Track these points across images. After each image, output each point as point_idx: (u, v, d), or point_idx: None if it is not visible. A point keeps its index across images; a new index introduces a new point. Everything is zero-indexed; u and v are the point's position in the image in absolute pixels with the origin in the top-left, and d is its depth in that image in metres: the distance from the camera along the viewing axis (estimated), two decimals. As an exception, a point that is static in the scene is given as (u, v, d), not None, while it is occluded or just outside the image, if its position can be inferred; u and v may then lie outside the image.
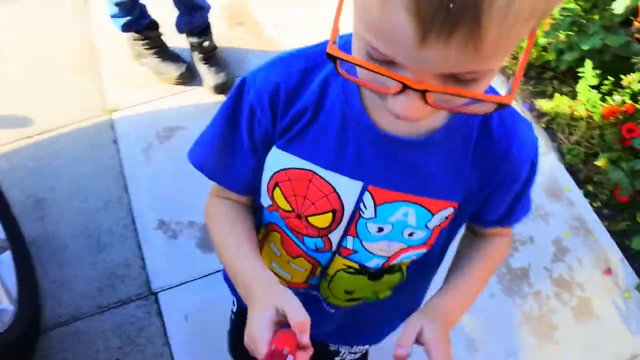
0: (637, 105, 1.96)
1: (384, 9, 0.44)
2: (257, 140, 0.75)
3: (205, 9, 2.13)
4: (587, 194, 2.04)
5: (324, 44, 0.54)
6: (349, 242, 0.79)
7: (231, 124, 0.75)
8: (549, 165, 2.10)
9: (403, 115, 0.53)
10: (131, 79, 2.28)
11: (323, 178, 0.72)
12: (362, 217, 0.75)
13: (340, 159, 0.71)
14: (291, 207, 0.77)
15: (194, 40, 2.17)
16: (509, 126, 0.70)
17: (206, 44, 2.17)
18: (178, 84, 2.24)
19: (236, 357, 1.41)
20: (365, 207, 0.73)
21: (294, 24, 2.45)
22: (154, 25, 2.18)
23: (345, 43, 0.54)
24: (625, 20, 2.18)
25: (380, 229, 0.76)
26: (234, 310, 1.28)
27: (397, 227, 0.75)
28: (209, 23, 2.19)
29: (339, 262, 0.84)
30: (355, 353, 1.22)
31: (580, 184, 2.06)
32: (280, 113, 0.71)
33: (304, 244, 0.83)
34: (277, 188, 0.76)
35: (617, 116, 2.04)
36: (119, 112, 2.19)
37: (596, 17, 2.13)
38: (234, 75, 2.25)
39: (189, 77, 2.24)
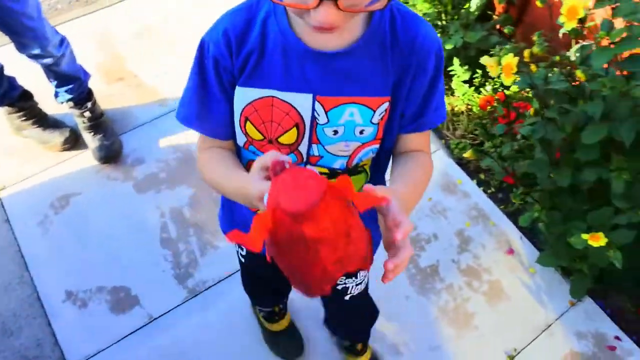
0: (506, 92, 2.08)
1: None
2: (227, 86, 0.89)
3: (81, 79, 2.10)
4: (479, 183, 2.14)
5: None
6: (315, 150, 0.93)
7: (202, 81, 0.90)
8: (440, 162, 2.19)
9: (324, 23, 0.69)
10: (15, 153, 2.21)
11: (281, 99, 0.87)
12: (319, 124, 0.89)
13: (289, 80, 0.86)
14: (262, 135, 0.92)
15: (75, 110, 2.14)
16: (411, 24, 0.86)
17: (87, 114, 2.14)
18: (65, 150, 2.19)
19: (249, 292, 1.59)
20: (318, 114, 0.88)
21: (172, 70, 2.46)
22: (26, 96, 2.13)
23: None
24: (484, 15, 2.33)
25: (335, 132, 0.90)
26: (242, 253, 1.35)
27: (349, 127, 0.90)
28: (88, 91, 2.16)
29: None
30: (359, 284, 1.32)
31: (471, 174, 2.16)
32: (235, 55, 0.86)
33: None
34: (248, 122, 0.91)
35: (492, 105, 2.15)
36: (6, 190, 2.12)
37: (455, 17, 2.26)
38: (120, 143, 2.23)
39: (75, 140, 2.20)
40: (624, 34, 1.15)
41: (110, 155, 2.15)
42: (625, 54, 1.22)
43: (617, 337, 1.85)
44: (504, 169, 1.67)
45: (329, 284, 0.67)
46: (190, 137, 2.25)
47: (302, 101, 0.87)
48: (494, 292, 1.92)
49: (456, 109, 2.27)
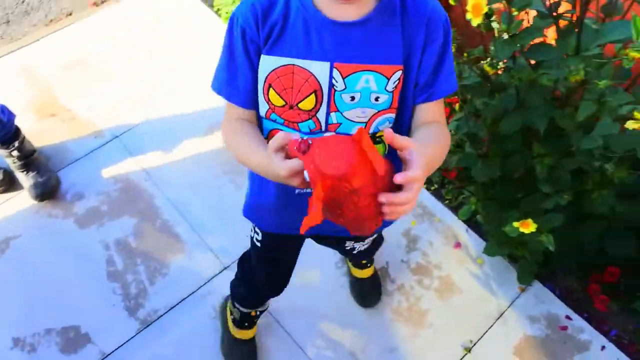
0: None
1: None
2: (253, 56, 0.97)
3: (3, 121, 2.05)
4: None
5: None
6: (333, 117, 1.00)
7: (231, 52, 0.99)
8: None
9: None
10: (-52, 202, 2.15)
11: (301, 67, 0.95)
12: (337, 91, 0.96)
13: (309, 49, 0.94)
14: (284, 100, 0.99)
15: (3, 151, 2.09)
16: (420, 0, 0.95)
17: (16, 153, 2.09)
18: (0, 192, 2.13)
19: (249, 283, 1.61)
20: (336, 81, 0.95)
21: (106, 100, 2.43)
22: (-46, 142, 2.07)
23: None
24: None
25: (352, 98, 0.97)
26: (258, 237, 1.41)
27: (365, 94, 0.96)
28: (15, 130, 2.11)
29: None
30: (365, 244, 1.49)
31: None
32: (260, 25, 0.94)
33: (301, 131, 1.03)
34: (271, 89, 0.98)
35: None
36: (-58, 240, 2.05)
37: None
38: (56, 178, 2.18)
39: (9, 182, 2.14)
40: (523, 26, 1.18)
41: (46, 191, 2.10)
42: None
43: (567, 317, 1.89)
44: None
45: (381, 216, 0.77)
46: (129, 166, 2.23)
47: (320, 68, 0.94)
48: (446, 287, 1.95)
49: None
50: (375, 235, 1.52)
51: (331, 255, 1.99)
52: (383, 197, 0.73)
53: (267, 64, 0.97)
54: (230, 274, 1.94)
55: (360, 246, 1.49)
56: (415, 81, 0.99)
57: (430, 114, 1.02)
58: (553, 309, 1.91)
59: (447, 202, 2.13)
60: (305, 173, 0.73)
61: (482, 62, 1.31)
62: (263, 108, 1.03)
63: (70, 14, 2.77)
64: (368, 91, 0.97)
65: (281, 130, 1.05)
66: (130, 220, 2.09)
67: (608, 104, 1.16)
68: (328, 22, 0.92)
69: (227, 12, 2.69)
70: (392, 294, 1.93)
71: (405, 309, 1.90)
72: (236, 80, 1.01)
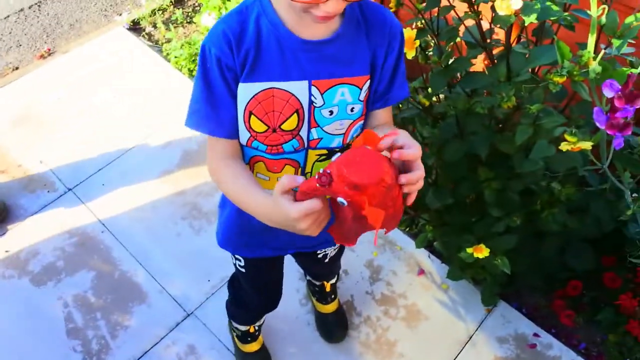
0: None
1: None
2: (231, 83, 0.96)
3: None
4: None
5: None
6: (314, 133, 1.03)
7: (207, 84, 0.96)
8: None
9: (332, 13, 0.83)
10: None
11: (281, 89, 0.96)
12: (316, 107, 0.99)
13: (287, 70, 0.95)
14: (266, 124, 1.00)
15: None
16: (375, 8, 0.99)
17: None
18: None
19: (238, 305, 1.66)
20: (315, 97, 0.98)
21: (58, 152, 2.39)
22: None
23: None
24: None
25: (331, 112, 1.01)
26: (240, 264, 1.41)
27: (342, 106, 1.00)
28: None
29: (312, 155, 1.08)
30: (335, 247, 1.51)
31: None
32: (235, 52, 0.93)
33: (285, 153, 1.06)
34: (252, 116, 0.99)
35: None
36: None
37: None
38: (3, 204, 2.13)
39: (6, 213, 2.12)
40: (454, 56, 1.20)
41: None
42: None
43: (535, 334, 1.89)
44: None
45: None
46: (84, 218, 2.18)
47: (299, 87, 0.97)
48: (412, 315, 1.93)
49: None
50: None
51: (294, 292, 1.97)
52: (404, 179, 0.76)
53: (247, 91, 0.97)
54: (194, 321, 1.91)
55: (331, 251, 1.51)
56: (375, 88, 1.03)
57: (384, 118, 1.07)
58: (520, 328, 1.91)
59: (407, 229, 2.13)
60: (340, 199, 0.74)
61: (419, 94, 1.33)
62: (244, 137, 1.03)
63: (17, 68, 2.74)
64: (345, 103, 1.01)
65: (264, 157, 1.08)
66: (87, 274, 2.04)
67: (543, 126, 1.18)
68: (301, 41, 0.94)
69: (176, 57, 2.69)
70: (358, 327, 1.91)
71: (374, 341, 1.87)
72: (218, 112, 0.99)
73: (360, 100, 1.02)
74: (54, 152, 2.40)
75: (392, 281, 2.01)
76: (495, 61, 1.34)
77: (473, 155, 1.40)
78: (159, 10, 2.98)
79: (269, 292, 1.56)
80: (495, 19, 1.10)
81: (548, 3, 1.08)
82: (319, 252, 1.48)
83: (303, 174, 1.12)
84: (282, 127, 1.01)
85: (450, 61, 1.21)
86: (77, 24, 2.98)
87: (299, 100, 0.98)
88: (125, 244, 2.11)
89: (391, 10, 1.31)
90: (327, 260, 1.52)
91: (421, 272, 2.02)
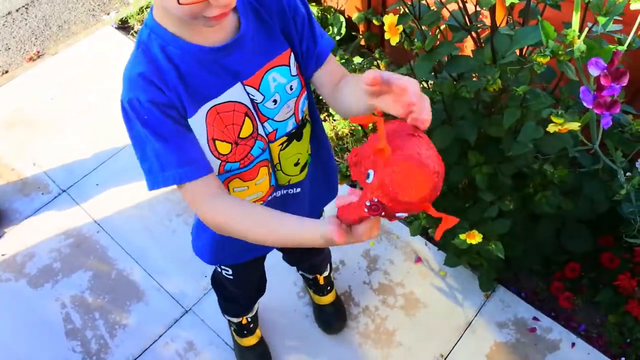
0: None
1: None
2: (179, 120, 0.90)
3: None
4: (375, 199, 2.15)
5: (144, 30, 0.90)
6: (268, 127, 1.02)
7: (156, 135, 0.88)
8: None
9: (227, 5, 0.79)
10: None
11: (222, 102, 0.94)
12: (259, 104, 0.98)
13: (217, 82, 0.92)
14: (228, 142, 0.97)
15: None
16: None
17: None
18: (-53, 262, 2.07)
19: (229, 300, 1.66)
20: (253, 95, 0.96)
21: (51, 154, 2.38)
22: None
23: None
24: (351, 37, 2.35)
25: (275, 101, 0.99)
26: (227, 272, 1.41)
27: (280, 90, 0.99)
28: None
29: (275, 146, 1.07)
30: None
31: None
32: (164, 89, 0.88)
33: (256, 157, 1.04)
34: (215, 141, 0.95)
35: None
36: None
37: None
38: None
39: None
40: (438, 41, 1.18)
41: None
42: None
43: (535, 318, 1.89)
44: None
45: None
46: (79, 218, 2.18)
47: (236, 92, 0.94)
48: (411, 303, 1.93)
49: (340, 132, 2.30)
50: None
51: (291, 286, 1.96)
52: (421, 123, 0.69)
53: (198, 122, 0.92)
54: (192, 317, 1.91)
55: None
56: (300, 52, 1.01)
57: (336, 72, 1.04)
58: (520, 312, 1.90)
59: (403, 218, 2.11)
60: (400, 214, 0.67)
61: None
62: (215, 164, 0.98)
63: (7, 72, 2.73)
64: (282, 86, 0.99)
65: (237, 173, 1.05)
66: (84, 274, 2.04)
67: (530, 108, 1.16)
68: (214, 51, 0.90)
69: (166, 52, 2.67)
70: (357, 317, 1.90)
71: (373, 331, 1.87)
72: (187, 153, 0.90)
73: (294, 76, 1.01)
74: (47, 154, 2.39)
75: (390, 270, 2.00)
76: (482, 44, 1.32)
77: (463, 140, 1.38)
78: (146, 7, 2.96)
79: (253, 285, 1.57)
80: (480, 1, 1.09)
81: (530, -17, 1.06)
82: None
83: (273, 167, 1.11)
84: (241, 136, 0.99)
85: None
86: (65, 25, 2.97)
87: (242, 104, 0.96)
88: (121, 243, 2.11)
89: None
90: (313, 249, 1.51)
91: (418, 259, 2.02)
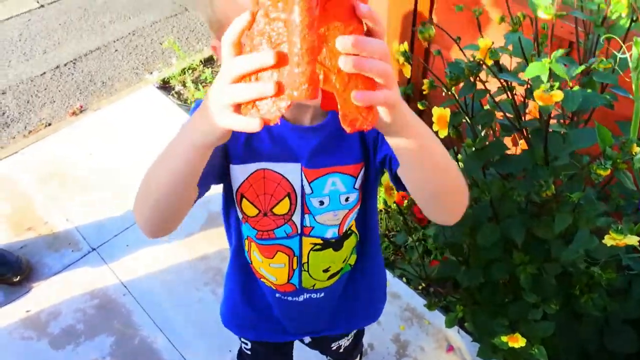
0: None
1: None
2: (219, 155, 0.88)
3: None
4: (408, 281, 2.09)
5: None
6: (307, 220, 0.97)
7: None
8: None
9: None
10: None
11: (272, 170, 0.91)
12: (306, 194, 0.93)
13: (277, 152, 0.89)
14: (257, 208, 0.94)
15: None
16: None
17: None
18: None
19: None
20: (304, 183, 0.92)
21: (84, 211, 2.39)
22: None
23: None
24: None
25: (321, 202, 0.94)
26: (247, 347, 1.37)
27: (334, 197, 0.94)
28: None
29: (307, 243, 1.01)
30: (349, 339, 1.42)
31: (393, 271, 2.11)
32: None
33: (276, 238, 0.99)
34: (244, 199, 0.94)
35: (407, 199, 2.15)
36: None
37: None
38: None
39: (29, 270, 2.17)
40: (489, 140, 1.16)
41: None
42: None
43: (573, 422, 1.77)
44: (418, 275, 1.64)
45: None
46: (107, 279, 2.16)
47: (291, 170, 0.91)
48: (440, 395, 1.84)
49: (375, 207, 2.26)
50: (355, 330, 1.45)
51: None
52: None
53: (238, 173, 0.92)
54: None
55: (345, 342, 1.43)
56: (374, 166, 0.94)
57: None
58: (557, 413, 1.79)
59: (434, 299, 2.04)
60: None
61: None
62: (239, 214, 0.99)
63: (50, 124, 2.79)
64: (337, 193, 0.94)
65: (256, 242, 1.01)
66: (107, 339, 2.00)
67: (584, 215, 1.12)
68: (289, 126, 0.88)
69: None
70: (384, 406, 1.82)
71: (399, 423, 1.78)
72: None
73: (356, 189, 0.95)
74: (81, 210, 2.40)
75: (420, 357, 1.92)
76: (530, 136, 1.29)
77: (506, 238, 1.33)
78: (188, 69, 3.02)
79: None
80: (541, 108, 1.05)
81: (589, 90, 1.03)
82: (332, 345, 1.41)
83: (299, 263, 1.05)
84: (274, 210, 0.95)
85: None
86: (109, 82, 3.04)
87: (290, 183, 0.93)
88: (146, 308, 2.07)
89: (424, 92, 1.29)
90: (341, 350, 1.44)
91: (450, 348, 1.93)
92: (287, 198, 0.94)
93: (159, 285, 2.13)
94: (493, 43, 1.14)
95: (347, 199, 0.96)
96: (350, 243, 1.07)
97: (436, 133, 1.25)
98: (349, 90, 0.53)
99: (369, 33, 0.55)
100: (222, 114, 0.56)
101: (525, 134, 1.21)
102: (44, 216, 2.38)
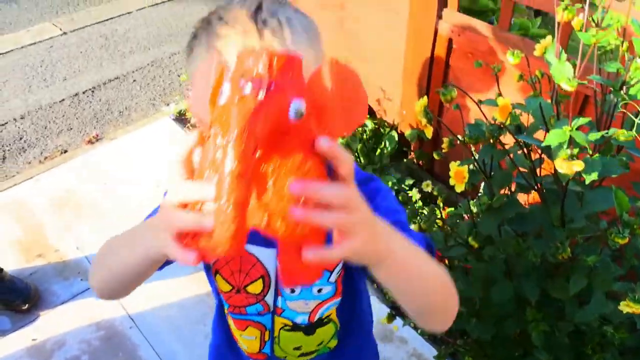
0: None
1: None
2: None
3: None
4: (416, 326, 2.08)
5: None
6: (279, 302, 0.94)
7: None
8: (374, 309, 2.13)
9: None
10: None
11: (247, 251, 0.88)
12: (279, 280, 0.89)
13: (254, 234, 0.76)
14: (231, 285, 0.92)
15: None
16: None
17: None
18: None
19: None
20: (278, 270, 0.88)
21: (96, 239, 2.40)
22: None
23: None
24: (400, 153, 2.37)
25: (292, 290, 0.91)
26: None
27: (305, 287, 0.90)
28: None
29: (278, 322, 0.99)
30: None
31: (402, 316, 2.10)
32: None
33: (248, 314, 0.97)
34: (218, 275, 0.92)
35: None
36: None
37: (368, 162, 2.30)
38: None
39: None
40: (505, 199, 1.17)
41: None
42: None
43: None
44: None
45: None
46: (114, 311, 2.16)
47: (267, 255, 0.89)
48: None
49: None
50: None
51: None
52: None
53: None
54: None
55: None
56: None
57: None
58: None
59: (443, 347, 2.02)
60: None
61: (469, 235, 1.27)
62: (215, 291, 1.00)
63: (66, 152, 2.82)
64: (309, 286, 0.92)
65: (230, 315, 1.00)
66: (111, 372, 1.99)
67: (599, 277, 1.12)
68: None
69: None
70: None
71: None
72: None
73: (331, 282, 0.92)
74: (91, 238, 2.41)
75: (425, 406, 1.89)
76: (544, 191, 1.30)
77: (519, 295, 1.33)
78: (206, 101, 3.06)
79: None
80: (560, 175, 1.05)
81: (607, 157, 1.04)
82: None
83: (271, 336, 1.02)
84: (247, 289, 0.94)
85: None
86: (126, 112, 3.08)
87: (265, 268, 0.91)
88: (152, 342, 2.06)
89: (443, 150, 1.30)
90: None
91: (456, 398, 1.90)
92: (261, 279, 0.93)
93: (166, 320, 2.13)
94: (513, 106, 1.16)
95: (319, 291, 0.93)
96: (327, 330, 1.02)
97: (452, 187, 1.26)
98: (295, 237, 0.48)
99: (334, 171, 0.49)
100: (159, 238, 0.54)
101: (539, 188, 1.22)
102: (55, 243, 2.40)
